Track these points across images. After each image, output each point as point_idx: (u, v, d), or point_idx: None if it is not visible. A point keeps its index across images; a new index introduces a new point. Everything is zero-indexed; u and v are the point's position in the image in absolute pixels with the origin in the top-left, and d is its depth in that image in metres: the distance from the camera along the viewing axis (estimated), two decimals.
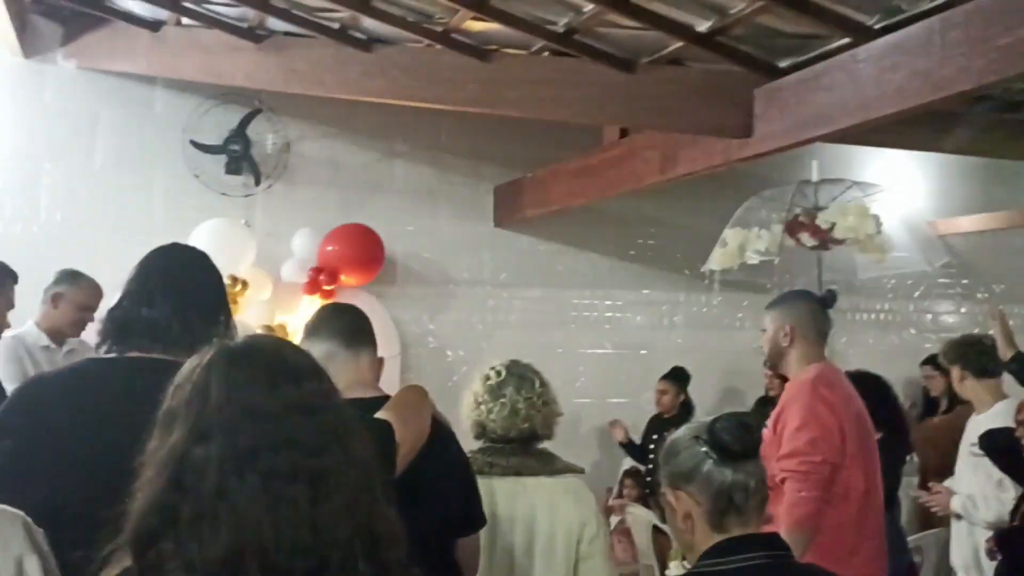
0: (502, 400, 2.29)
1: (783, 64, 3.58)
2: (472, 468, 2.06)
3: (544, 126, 5.33)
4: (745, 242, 3.73)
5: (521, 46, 3.99)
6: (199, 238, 4.81)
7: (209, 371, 1.04)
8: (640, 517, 4.74)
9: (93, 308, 3.59)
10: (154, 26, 4.83)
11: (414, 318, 5.86)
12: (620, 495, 5.64)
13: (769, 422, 3.01)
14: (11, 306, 2.84)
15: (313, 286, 5.15)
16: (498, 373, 2.35)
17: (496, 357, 5.89)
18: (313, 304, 5.19)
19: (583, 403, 6.22)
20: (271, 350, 1.10)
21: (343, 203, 5.66)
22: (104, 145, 5.21)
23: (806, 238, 3.61)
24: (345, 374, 1.93)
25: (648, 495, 5.18)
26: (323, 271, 5.16)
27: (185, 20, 4.71)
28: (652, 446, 5.27)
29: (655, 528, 4.66)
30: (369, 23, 4.09)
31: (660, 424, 5.30)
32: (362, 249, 5.25)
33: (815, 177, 3.80)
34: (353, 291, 5.38)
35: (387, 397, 1.88)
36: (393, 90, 4.28)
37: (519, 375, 2.35)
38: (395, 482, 1.70)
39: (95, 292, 3.63)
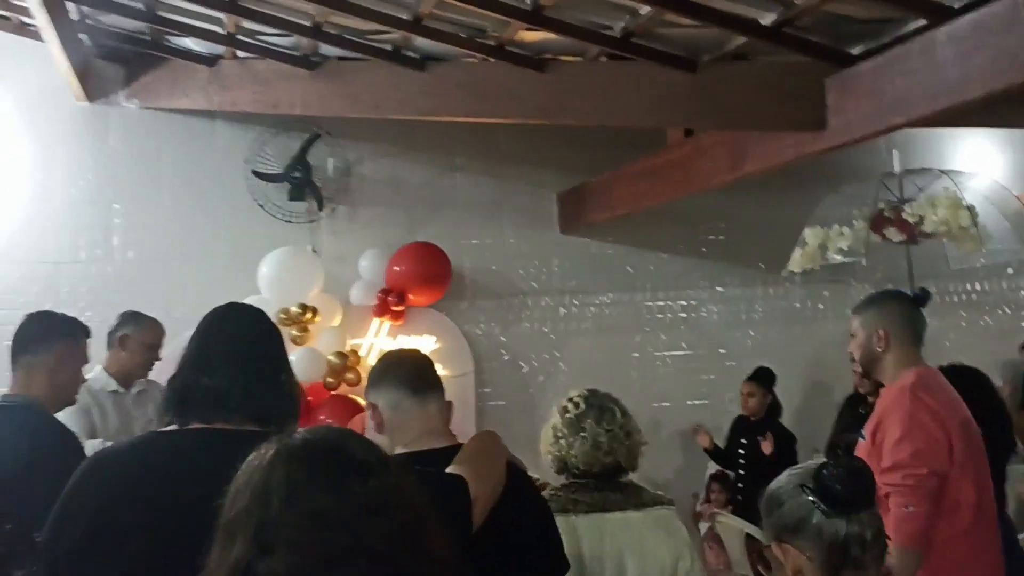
0: (582, 434, 2.19)
1: (855, 51, 3.40)
2: (551, 511, 1.97)
3: (606, 128, 5.21)
4: (826, 241, 3.55)
5: (577, 53, 3.89)
6: (267, 269, 4.83)
7: (268, 473, 0.96)
8: (730, 526, 4.58)
9: (159, 346, 3.60)
10: (211, 61, 4.86)
11: (486, 332, 5.80)
12: (707, 500, 5.49)
13: (866, 431, 2.86)
14: (86, 361, 2.84)
15: (382, 308, 5.12)
16: (576, 405, 2.25)
17: (571, 366, 5.92)
18: (383, 327, 5.18)
19: (662, 407, 6.09)
20: (333, 444, 1.01)
21: (407, 221, 5.63)
22: (170, 182, 5.27)
23: (892, 233, 3.42)
24: (414, 423, 1.87)
25: (737, 500, 5.02)
26: (391, 292, 5.13)
27: (240, 53, 4.72)
28: (741, 451, 5.11)
29: (748, 537, 4.50)
30: (422, 42, 4.03)
31: (746, 427, 5.14)
32: (428, 267, 5.20)
33: (897, 168, 3.60)
34: (423, 310, 5.35)
35: (459, 446, 1.81)
36: (450, 107, 4.21)
37: (599, 406, 2.25)
38: (473, 537, 1.62)
39: (159, 330, 3.64)
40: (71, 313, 2.99)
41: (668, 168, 4.60)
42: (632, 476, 2.29)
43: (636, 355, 6.12)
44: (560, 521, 2.15)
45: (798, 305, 6.37)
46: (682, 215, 5.95)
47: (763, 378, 5.15)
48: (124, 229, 5.17)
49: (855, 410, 4.97)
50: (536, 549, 1.82)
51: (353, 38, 4.19)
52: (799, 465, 1.53)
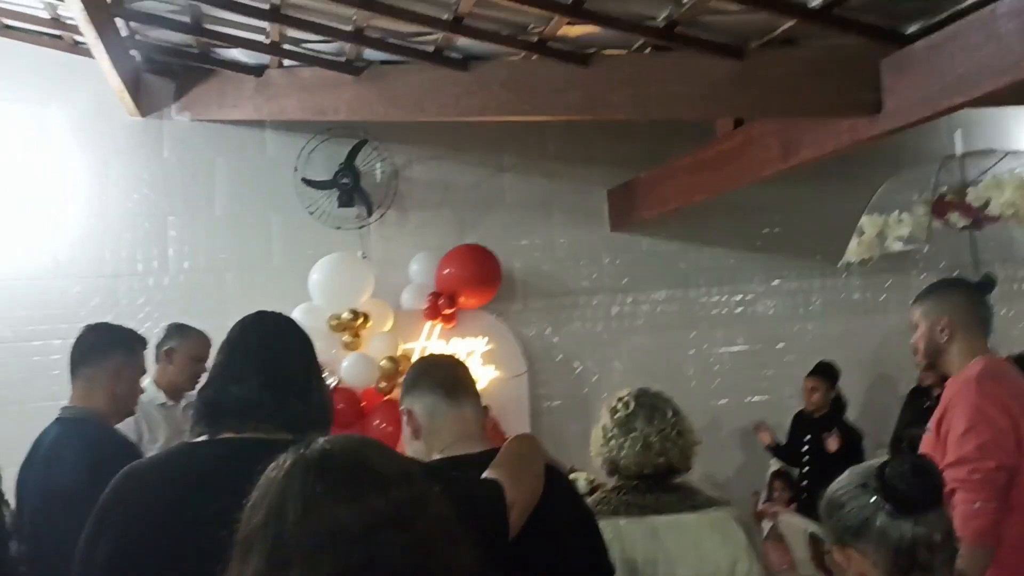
0: (633, 434, 2.13)
1: (910, 30, 3.27)
2: (592, 514, 1.91)
3: (655, 122, 5.13)
4: (885, 229, 3.42)
5: (621, 46, 3.82)
6: (317, 275, 4.86)
7: (284, 485, 0.93)
8: (794, 525, 4.46)
9: (205, 358, 3.61)
10: (258, 71, 4.91)
11: (538, 333, 5.75)
12: (769, 498, 5.36)
13: (931, 424, 2.74)
14: (143, 372, 2.86)
15: (433, 311, 5.11)
16: (626, 405, 2.19)
17: (625, 364, 5.83)
18: (435, 330, 5.17)
19: (721, 404, 5.98)
20: (351, 454, 0.97)
21: (457, 224, 5.61)
22: (222, 192, 5.33)
23: (956, 218, 3.27)
24: (449, 428, 1.84)
25: (801, 498, 4.89)
26: (442, 295, 5.11)
27: (286, 62, 4.76)
28: (805, 447, 4.97)
29: (812, 536, 4.37)
30: (464, 42, 4.00)
31: (809, 423, 5.00)
32: (478, 269, 5.18)
33: (959, 150, 3.45)
34: (474, 312, 5.33)
35: (495, 451, 1.76)
36: (493, 107, 4.17)
37: (650, 405, 2.18)
38: (514, 542, 1.58)
39: (205, 342, 3.66)
40: (131, 325, 3.02)
41: (719, 160, 4.50)
42: (691, 475, 2.22)
43: (692, 352, 6.02)
44: (610, 524, 2.10)
45: (857, 297, 6.20)
46: (736, 208, 5.83)
47: (827, 372, 5.00)
48: (179, 241, 5.25)
49: (920, 404, 4.83)
50: (578, 553, 1.77)
51: (395, 41, 4.18)
52: (860, 464, 1.44)
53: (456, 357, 2.11)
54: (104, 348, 2.65)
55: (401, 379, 4.69)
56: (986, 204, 3.20)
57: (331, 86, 4.63)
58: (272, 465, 0.99)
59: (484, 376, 5.22)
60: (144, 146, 5.25)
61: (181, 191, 5.27)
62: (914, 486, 1.33)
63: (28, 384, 4.73)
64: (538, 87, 4.01)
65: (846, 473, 1.43)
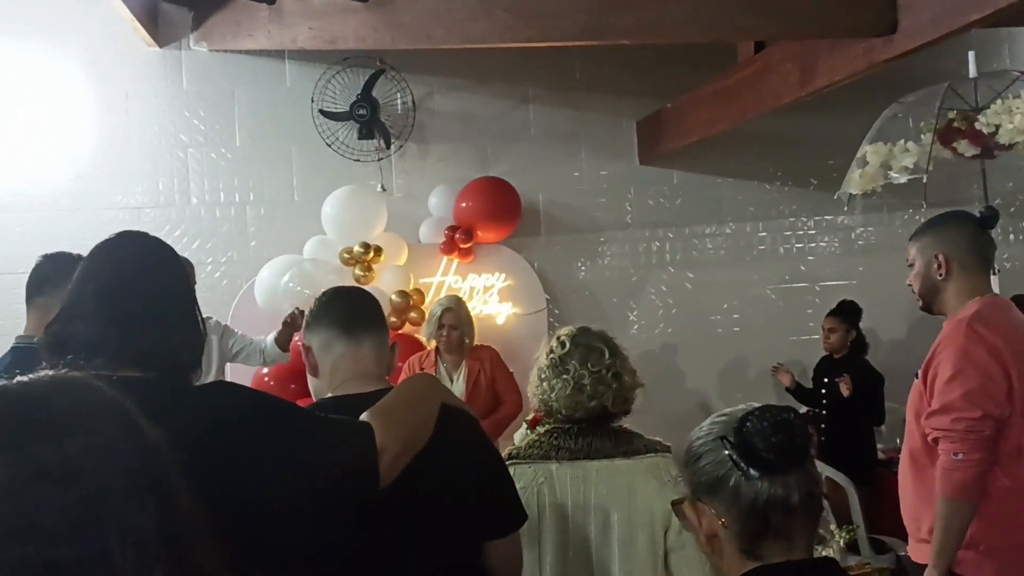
0: (564, 376, 2.01)
1: None
2: (500, 463, 1.80)
3: (682, 48, 4.88)
4: (889, 158, 3.17)
5: None
6: (329, 208, 4.82)
7: None
8: None
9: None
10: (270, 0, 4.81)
11: (563, 269, 5.63)
12: None
13: (920, 370, 2.56)
14: None
15: (450, 246, 5.03)
16: (562, 344, 2.07)
17: (652, 301, 5.68)
18: (452, 265, 5.11)
19: (750, 343, 5.79)
20: (28, 396, 0.84)
21: (478, 157, 5.49)
22: (242, 123, 5.31)
23: (964, 146, 3.00)
24: (344, 366, 1.74)
25: (820, 441, 4.72)
26: (458, 229, 5.02)
27: None
28: (824, 390, 4.79)
29: (830, 482, 4.22)
30: None
31: (830, 365, 4.79)
32: (496, 202, 5.06)
33: (972, 72, 3.16)
34: (493, 247, 5.23)
35: (388, 390, 1.66)
36: (498, 32, 4.00)
37: (585, 346, 2.06)
38: (390, 490, 1.50)
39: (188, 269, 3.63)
40: None
41: (739, 88, 4.26)
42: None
43: (722, 288, 5.83)
44: (541, 468, 2.02)
45: (903, 232, 5.88)
46: (777, 138, 5.57)
47: (846, 312, 4.76)
48: (199, 173, 5.26)
49: None
50: (477, 501, 1.67)
51: None
52: (725, 411, 1.31)
53: (363, 290, 1.99)
54: (59, 278, 2.64)
55: (411, 314, 4.71)
56: (997, 130, 2.93)
57: (341, 14, 4.50)
58: None
59: (501, 312, 5.15)
60: (164, 78, 5.24)
61: (202, 123, 5.27)
62: (773, 445, 1.20)
63: None
64: (541, 11, 3.83)
65: (708, 421, 1.30)
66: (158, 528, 0.80)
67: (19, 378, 0.87)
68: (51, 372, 0.90)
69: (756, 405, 1.27)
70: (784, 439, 1.21)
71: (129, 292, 1.45)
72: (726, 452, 1.22)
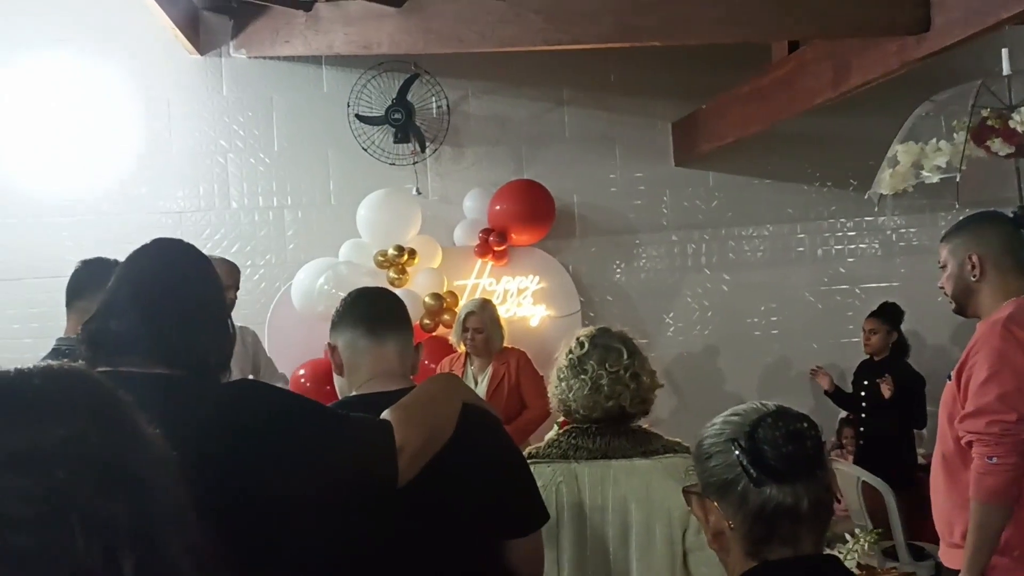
0: (583, 376, 2.02)
1: None
2: (522, 464, 1.80)
3: (717, 49, 4.85)
4: (920, 158, 3.12)
5: None
6: (364, 211, 4.87)
7: None
8: (846, 474, 4.24)
9: (232, 286, 3.66)
10: (307, 6, 4.86)
11: (598, 271, 5.63)
12: (840, 445, 5.13)
13: (953, 372, 2.52)
14: None
15: (484, 248, 5.06)
16: (581, 345, 2.08)
17: (688, 304, 5.64)
18: (486, 268, 5.13)
19: (791, 345, 5.73)
20: (17, 381, 0.86)
21: (513, 159, 5.52)
22: (280, 129, 5.39)
23: (998, 145, 2.95)
24: (368, 364, 1.76)
25: (859, 445, 4.66)
26: (492, 231, 5.05)
27: None
28: (863, 393, 4.72)
29: (865, 485, 4.16)
30: None
31: (871, 368, 4.72)
32: (529, 205, 5.08)
33: (1006, 69, 3.10)
34: (528, 249, 5.25)
35: (411, 389, 1.68)
36: (528, 35, 4.01)
37: (604, 345, 2.06)
38: (410, 487, 1.52)
39: (230, 269, 3.70)
40: None
41: (773, 89, 4.23)
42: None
43: (760, 291, 5.77)
44: (559, 467, 2.02)
45: None
46: (816, 139, 5.51)
47: (887, 314, 4.69)
48: (238, 177, 5.35)
49: None
50: (498, 499, 1.68)
51: None
52: (739, 409, 1.30)
53: (386, 289, 2.01)
54: (99, 282, 2.70)
55: (444, 316, 4.74)
56: None
57: (375, 19, 4.56)
58: None
59: (535, 315, 5.16)
60: (206, 85, 5.35)
61: (241, 128, 5.36)
62: (784, 455, 1.19)
63: None
64: (571, 14, 3.84)
65: (721, 418, 1.29)
66: (129, 523, 0.81)
67: (18, 366, 0.90)
68: (49, 362, 0.92)
69: (770, 407, 1.26)
70: (796, 449, 1.20)
71: (162, 294, 1.50)
72: (736, 455, 1.22)
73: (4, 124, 5.14)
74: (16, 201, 5.12)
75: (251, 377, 3.96)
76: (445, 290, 4.84)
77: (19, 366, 0.89)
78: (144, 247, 1.59)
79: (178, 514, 0.88)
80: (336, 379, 1.84)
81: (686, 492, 1.32)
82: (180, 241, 1.63)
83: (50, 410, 0.84)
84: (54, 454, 0.81)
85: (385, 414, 1.55)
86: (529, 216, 5.08)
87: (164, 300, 1.51)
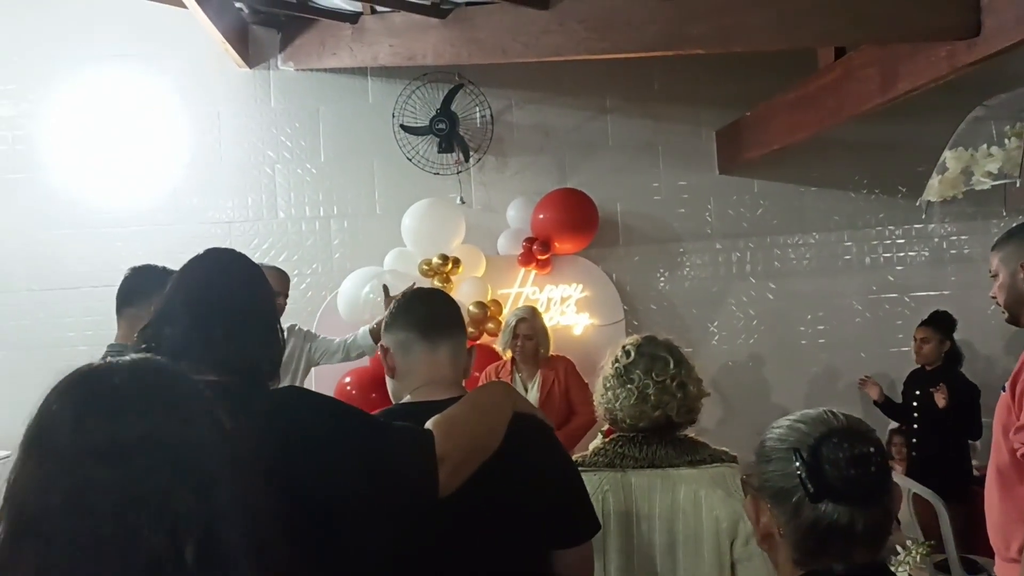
0: (629, 386, 2.01)
1: None
2: (574, 474, 1.78)
3: (761, 56, 4.82)
4: (971, 164, 3.07)
5: None
6: (408, 221, 4.91)
7: (44, 399, 0.90)
8: (896, 485, 4.17)
9: (283, 294, 3.71)
10: (353, 18, 4.96)
11: (642, 279, 5.61)
12: (890, 456, 5.05)
13: (1007, 383, 2.47)
14: None
15: (527, 257, 5.07)
16: (627, 354, 2.07)
17: (733, 312, 5.60)
18: (530, 276, 5.14)
19: (839, 355, 5.66)
20: (102, 377, 0.91)
21: (557, 168, 5.53)
22: (327, 139, 5.47)
23: None
24: (421, 369, 1.75)
25: (912, 456, 4.57)
26: (536, 240, 5.06)
27: (379, 8, 4.78)
28: (915, 403, 4.63)
29: (916, 497, 4.08)
30: None
31: (922, 378, 4.64)
32: (573, 214, 5.08)
33: None
34: (571, 258, 5.25)
35: (461, 397, 1.68)
36: (572, 45, 4.03)
37: (650, 355, 2.05)
38: (456, 496, 1.52)
39: (280, 277, 3.76)
40: None
41: (819, 95, 4.18)
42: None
43: (808, 300, 5.71)
44: (606, 476, 2.02)
45: None
46: (856, 144, 5.44)
47: (939, 322, 4.60)
48: (286, 188, 5.44)
49: None
50: (546, 514, 1.66)
51: None
52: (807, 416, 1.25)
53: (440, 291, 1.99)
54: (148, 289, 2.76)
55: (489, 325, 4.76)
56: None
57: (419, 31, 4.62)
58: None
59: (579, 323, 5.15)
60: (254, 97, 5.44)
61: (288, 139, 5.45)
62: (846, 477, 1.16)
63: None
64: (616, 23, 3.85)
65: (788, 421, 1.25)
66: (195, 514, 0.85)
67: (110, 357, 0.94)
68: (135, 356, 0.97)
69: (840, 421, 1.23)
70: (860, 474, 1.17)
71: (214, 302, 1.54)
72: (796, 465, 1.19)
73: (65, 137, 5.29)
74: (73, 212, 5.27)
75: (300, 376, 4.01)
76: (489, 299, 4.86)
77: (111, 357, 0.94)
78: (198, 256, 1.63)
79: (243, 510, 0.91)
80: (388, 381, 1.83)
81: (744, 482, 1.30)
82: (233, 251, 1.67)
83: (130, 405, 0.88)
84: (132, 448, 0.84)
85: (430, 424, 1.55)
86: (572, 225, 5.08)
87: (217, 307, 1.54)
